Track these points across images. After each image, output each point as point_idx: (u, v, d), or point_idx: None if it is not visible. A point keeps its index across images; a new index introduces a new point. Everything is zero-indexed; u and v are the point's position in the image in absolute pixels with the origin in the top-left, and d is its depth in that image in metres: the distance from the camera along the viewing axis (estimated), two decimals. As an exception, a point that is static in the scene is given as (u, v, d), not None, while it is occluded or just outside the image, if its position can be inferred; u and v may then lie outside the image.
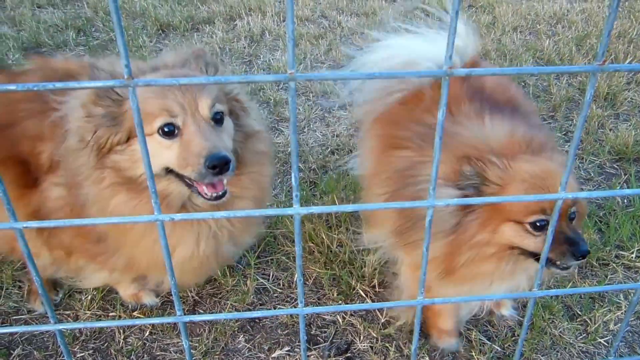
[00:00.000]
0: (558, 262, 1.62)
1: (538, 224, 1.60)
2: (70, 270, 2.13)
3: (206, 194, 1.61)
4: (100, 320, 2.23)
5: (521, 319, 2.26)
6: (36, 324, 2.26)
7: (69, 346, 2.18)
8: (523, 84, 4.12)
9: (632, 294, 2.34)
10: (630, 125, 3.56)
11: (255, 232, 2.16)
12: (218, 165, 1.49)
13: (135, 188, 1.65)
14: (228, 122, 1.68)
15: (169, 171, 1.61)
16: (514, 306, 2.25)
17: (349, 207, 0.99)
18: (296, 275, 2.42)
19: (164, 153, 1.56)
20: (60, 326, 1.02)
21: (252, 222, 2.04)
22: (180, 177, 1.62)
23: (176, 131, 1.55)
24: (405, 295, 2.18)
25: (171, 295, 2.40)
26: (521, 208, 1.60)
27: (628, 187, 3.01)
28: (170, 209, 1.69)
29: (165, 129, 1.54)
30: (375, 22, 5.09)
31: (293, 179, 0.87)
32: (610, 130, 3.52)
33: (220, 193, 1.61)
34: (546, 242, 1.00)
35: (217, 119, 1.61)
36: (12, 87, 0.81)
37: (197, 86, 1.59)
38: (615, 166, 3.22)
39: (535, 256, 1.66)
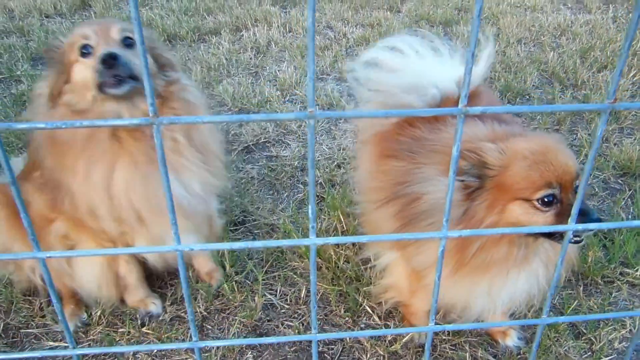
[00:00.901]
0: (571, 235, 1.62)
1: (546, 199, 1.60)
2: (62, 243, 2.18)
3: (111, 84, 1.81)
4: (109, 336, 2.25)
5: (527, 335, 2.28)
6: (46, 339, 2.28)
7: (78, 361, 2.20)
8: (527, 97, 4.15)
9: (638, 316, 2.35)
10: (634, 140, 3.58)
11: (219, 172, 2.19)
12: (107, 60, 1.72)
13: (85, 115, 1.86)
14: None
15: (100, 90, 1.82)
16: (519, 336, 2.26)
17: (364, 238, 1.02)
18: (303, 292, 2.44)
19: (86, 72, 1.81)
20: (79, 351, 1.04)
21: (209, 156, 2.12)
22: (100, 90, 1.82)
23: (92, 50, 1.81)
24: (401, 296, 2.22)
25: (178, 310, 2.42)
26: (527, 185, 1.60)
27: (632, 203, 3.03)
28: (108, 128, 1.90)
29: (84, 51, 1.82)
30: (381, 33, 5.13)
31: (310, 212, 0.89)
32: (614, 144, 3.54)
33: (120, 77, 1.79)
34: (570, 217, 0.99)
35: (128, 44, 1.84)
36: (41, 125, 0.84)
37: (109, 20, 1.95)
38: (620, 181, 3.24)
39: (547, 235, 1.67)
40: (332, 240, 0.97)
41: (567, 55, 4.73)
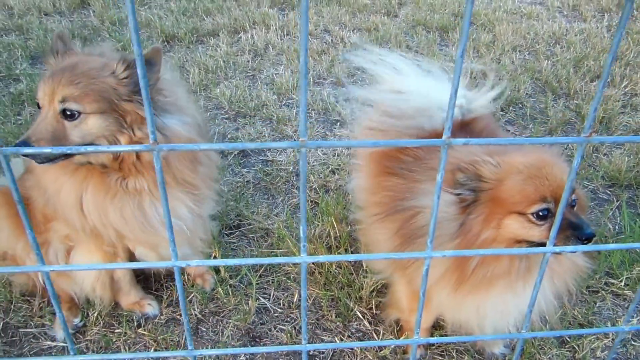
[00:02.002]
0: (549, 255, 1.66)
1: (541, 214, 1.63)
2: (63, 243, 2.25)
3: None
4: (106, 337, 2.31)
5: (513, 342, 2.34)
6: (44, 338, 2.33)
7: (75, 361, 2.25)
8: (520, 105, 4.22)
9: (619, 323, 2.42)
10: (624, 151, 3.65)
11: (207, 199, 2.27)
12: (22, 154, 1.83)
13: None
14: (92, 120, 1.87)
15: None
16: (505, 344, 2.32)
17: (351, 257, 1.07)
18: (296, 296, 2.50)
19: None
20: (80, 357, 1.10)
21: (196, 187, 2.15)
22: None
23: (41, 110, 1.88)
24: (402, 314, 2.27)
25: (174, 312, 2.48)
26: (522, 199, 1.64)
27: (619, 214, 3.10)
28: (70, 161, 1.96)
29: (39, 106, 1.89)
30: (378, 38, 5.19)
31: (302, 232, 0.95)
32: (604, 155, 3.61)
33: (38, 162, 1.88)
34: (552, 230, 1.04)
35: (67, 115, 1.86)
36: (47, 149, 0.89)
37: (64, 78, 1.86)
38: (608, 192, 3.31)
39: (544, 246, 1.71)
40: (322, 258, 1.03)
41: (560, 64, 4.80)
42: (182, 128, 2.03)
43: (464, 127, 2.10)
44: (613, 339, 2.38)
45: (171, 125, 2.00)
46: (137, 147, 0.87)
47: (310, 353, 2.30)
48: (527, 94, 4.36)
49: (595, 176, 3.40)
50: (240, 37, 5.13)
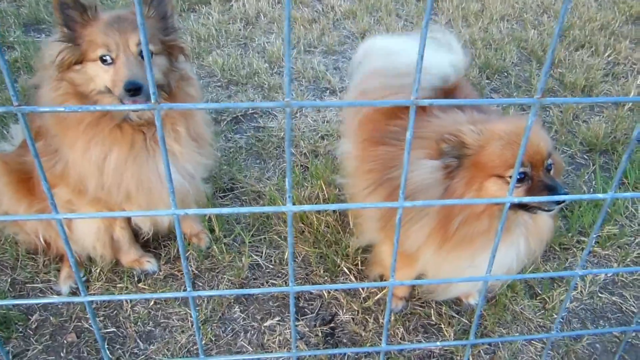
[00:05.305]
0: (543, 207, 1.82)
1: (517, 177, 1.76)
2: (65, 207, 2.35)
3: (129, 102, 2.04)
4: (109, 291, 2.47)
5: (488, 295, 2.52)
6: (50, 292, 2.49)
7: (80, 313, 2.41)
8: (506, 74, 4.33)
9: (587, 278, 2.61)
10: (602, 118, 3.79)
11: (209, 155, 2.45)
12: (131, 89, 1.95)
13: (82, 100, 2.08)
14: (159, 59, 2.10)
15: (109, 90, 2.05)
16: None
17: (333, 206, 1.21)
18: (286, 254, 2.66)
19: (103, 75, 2.03)
20: (89, 298, 1.24)
21: (203, 143, 2.36)
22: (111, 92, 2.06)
23: (111, 61, 2.01)
24: (386, 271, 2.43)
25: (172, 268, 2.63)
26: (500, 163, 1.78)
27: (595, 178, 3.26)
28: (114, 120, 2.10)
29: (104, 58, 2.01)
30: (368, 7, 5.24)
31: (287, 183, 1.09)
32: (583, 122, 3.75)
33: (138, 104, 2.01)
34: (512, 180, 1.20)
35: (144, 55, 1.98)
36: (60, 108, 1.02)
37: (130, 27, 2.01)
38: (585, 157, 3.47)
39: (521, 207, 1.86)
40: (306, 207, 1.17)
41: (547, 33, 4.89)
42: (194, 75, 2.27)
43: (447, 97, 2.22)
44: (582, 291, 2.57)
45: (188, 70, 2.23)
46: (139, 107, 0.99)
47: (300, 305, 2.47)
48: (512, 62, 4.47)
49: (573, 142, 3.54)
50: (232, 5, 5.17)
